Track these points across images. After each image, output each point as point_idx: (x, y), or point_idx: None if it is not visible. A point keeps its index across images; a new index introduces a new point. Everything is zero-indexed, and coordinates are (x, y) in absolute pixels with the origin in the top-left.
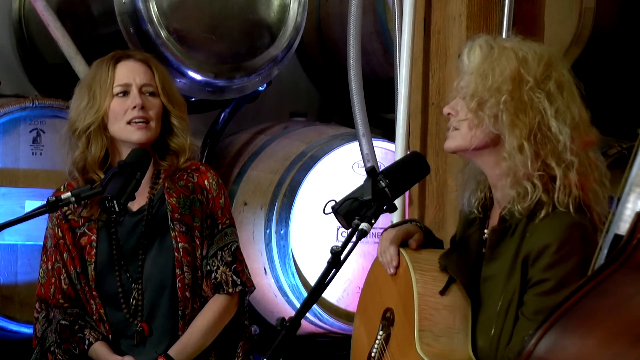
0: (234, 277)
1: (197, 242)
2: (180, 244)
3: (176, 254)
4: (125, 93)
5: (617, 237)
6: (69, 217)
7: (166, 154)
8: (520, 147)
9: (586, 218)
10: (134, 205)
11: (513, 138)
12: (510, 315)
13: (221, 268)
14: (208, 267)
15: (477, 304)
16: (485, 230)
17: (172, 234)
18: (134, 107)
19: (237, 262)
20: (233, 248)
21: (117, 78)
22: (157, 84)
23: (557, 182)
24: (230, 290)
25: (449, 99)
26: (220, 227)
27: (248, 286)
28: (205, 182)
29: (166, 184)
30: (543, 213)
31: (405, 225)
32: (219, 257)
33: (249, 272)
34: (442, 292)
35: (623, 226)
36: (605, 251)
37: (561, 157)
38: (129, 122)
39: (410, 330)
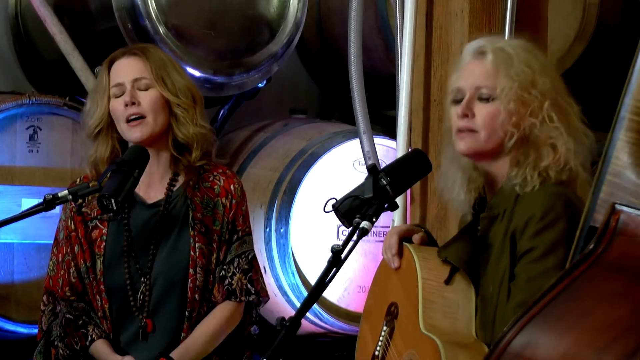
0: (249, 285)
1: (214, 245)
2: (197, 244)
3: (192, 253)
4: (121, 94)
5: (592, 229)
6: (83, 209)
7: (181, 146)
8: (561, 140)
9: (568, 189)
10: (150, 198)
11: (552, 133)
12: (502, 293)
13: (237, 275)
14: (222, 272)
15: (476, 293)
16: (479, 228)
17: (192, 233)
18: (126, 105)
19: (253, 271)
20: (250, 256)
21: (112, 79)
22: (152, 74)
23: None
24: (243, 298)
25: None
26: (240, 234)
27: (262, 296)
28: (231, 186)
29: (191, 182)
30: (527, 190)
31: (409, 225)
32: (235, 264)
33: (263, 282)
34: (447, 282)
35: (597, 217)
36: (581, 244)
37: (581, 145)
38: (127, 122)
39: (415, 314)
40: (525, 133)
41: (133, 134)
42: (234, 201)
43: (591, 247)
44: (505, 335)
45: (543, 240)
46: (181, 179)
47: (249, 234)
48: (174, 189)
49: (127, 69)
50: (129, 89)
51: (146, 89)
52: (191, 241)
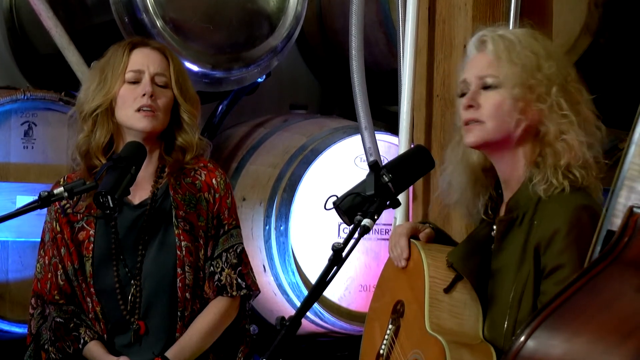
0: (239, 280)
1: (201, 242)
2: (183, 243)
3: (178, 252)
4: (136, 81)
5: (610, 233)
6: (68, 211)
7: (172, 149)
8: (573, 133)
9: (593, 199)
10: (135, 199)
11: (563, 125)
12: (523, 305)
13: (226, 270)
14: (211, 268)
15: (486, 300)
16: (494, 227)
17: (176, 232)
18: (144, 95)
19: (243, 265)
20: (238, 250)
21: (131, 63)
22: (170, 74)
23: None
24: (234, 293)
25: (459, 91)
26: (226, 227)
27: (253, 290)
28: (213, 180)
29: (172, 180)
30: (551, 196)
31: (415, 222)
32: (223, 259)
33: (254, 275)
34: (447, 291)
35: (615, 222)
36: (599, 248)
37: (593, 137)
38: (137, 110)
39: (421, 312)
40: (533, 122)
41: (142, 122)
42: (217, 195)
43: (611, 245)
44: (517, 339)
45: (570, 258)
46: (165, 177)
47: (237, 227)
48: (159, 187)
49: (150, 59)
50: (148, 80)
51: (163, 87)
52: (176, 240)
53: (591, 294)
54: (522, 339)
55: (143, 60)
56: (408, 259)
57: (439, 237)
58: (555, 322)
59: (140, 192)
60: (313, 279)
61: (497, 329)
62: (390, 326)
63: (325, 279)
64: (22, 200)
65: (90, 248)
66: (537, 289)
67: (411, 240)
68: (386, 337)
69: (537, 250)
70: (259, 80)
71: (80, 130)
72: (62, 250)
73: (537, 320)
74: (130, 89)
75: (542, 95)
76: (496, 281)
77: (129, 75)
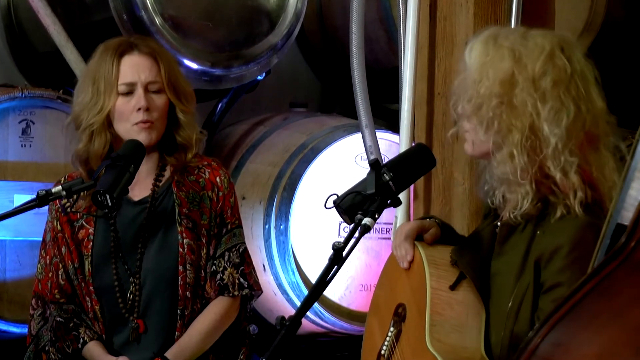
0: (241, 279)
1: (204, 240)
2: (185, 240)
3: (181, 249)
4: (130, 92)
5: (620, 227)
6: (68, 209)
7: (174, 148)
8: (511, 155)
9: (601, 218)
10: (135, 196)
11: (504, 145)
12: (521, 316)
13: (228, 269)
14: (214, 267)
15: (487, 299)
16: (498, 223)
17: (179, 229)
18: (139, 110)
19: (245, 265)
20: (241, 249)
21: (122, 75)
22: (163, 79)
23: (559, 186)
24: (236, 293)
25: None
26: (229, 227)
27: (255, 289)
28: (217, 179)
29: (175, 177)
30: (558, 214)
31: (421, 220)
32: (226, 258)
33: (256, 275)
34: (452, 288)
35: (626, 215)
36: (607, 242)
37: (556, 160)
38: (134, 124)
39: (422, 325)
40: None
41: (140, 135)
42: (220, 193)
43: (621, 244)
44: (531, 339)
45: (571, 277)
46: (167, 174)
47: (239, 226)
48: (160, 184)
49: (140, 69)
50: (141, 92)
51: (157, 93)
52: (179, 237)
53: (603, 297)
54: (538, 337)
55: (133, 70)
56: (411, 262)
57: (445, 232)
58: (570, 324)
59: (141, 189)
60: (313, 278)
61: (495, 334)
62: (391, 328)
63: (325, 279)
64: (20, 199)
65: (90, 246)
66: (536, 303)
67: (415, 242)
68: (387, 338)
69: (538, 263)
70: (259, 78)
71: (79, 139)
72: (62, 249)
73: (553, 319)
74: (125, 102)
75: (480, 124)
76: (495, 286)
77: (121, 88)
